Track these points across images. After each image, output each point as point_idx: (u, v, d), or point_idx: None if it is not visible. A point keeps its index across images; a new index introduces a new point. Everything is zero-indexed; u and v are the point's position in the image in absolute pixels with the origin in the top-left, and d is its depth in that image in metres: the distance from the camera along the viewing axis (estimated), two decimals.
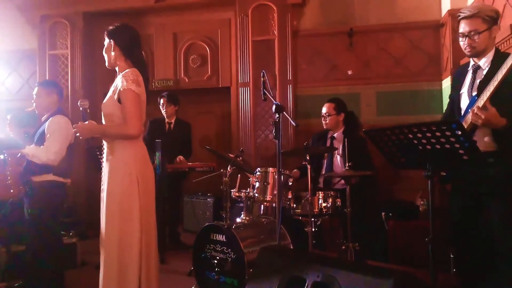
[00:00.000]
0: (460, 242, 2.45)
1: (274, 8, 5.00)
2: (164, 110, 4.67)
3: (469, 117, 2.19)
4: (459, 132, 1.88)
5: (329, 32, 5.06)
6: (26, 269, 3.23)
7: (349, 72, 4.99)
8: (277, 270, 1.85)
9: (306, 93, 5.09)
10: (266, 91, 2.86)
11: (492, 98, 2.10)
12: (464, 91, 2.38)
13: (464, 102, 2.36)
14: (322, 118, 3.89)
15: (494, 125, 2.12)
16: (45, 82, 3.52)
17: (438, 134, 1.93)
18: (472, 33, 2.26)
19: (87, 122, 2.38)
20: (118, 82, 2.31)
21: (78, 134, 2.38)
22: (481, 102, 2.12)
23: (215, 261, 2.96)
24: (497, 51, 2.34)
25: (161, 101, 4.67)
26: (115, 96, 2.30)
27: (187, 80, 5.52)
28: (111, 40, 2.39)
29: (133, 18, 5.47)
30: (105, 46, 2.44)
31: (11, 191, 3.53)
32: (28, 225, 3.12)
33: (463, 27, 2.31)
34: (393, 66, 4.92)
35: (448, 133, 1.90)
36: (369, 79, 4.96)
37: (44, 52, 5.61)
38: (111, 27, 2.43)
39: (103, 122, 2.42)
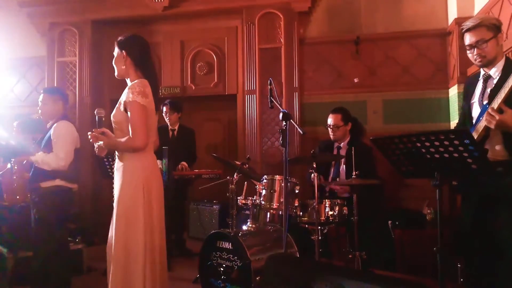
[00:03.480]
0: (470, 251, 2.42)
1: (281, 16, 5.03)
2: (168, 117, 4.70)
3: (481, 124, 2.18)
4: (467, 141, 1.87)
5: (336, 40, 5.08)
6: (33, 275, 3.24)
7: (356, 80, 5.00)
8: (284, 279, 1.84)
9: (312, 100, 5.10)
10: (273, 99, 2.87)
11: (506, 102, 2.09)
12: (475, 100, 2.37)
13: (476, 111, 2.35)
14: (330, 130, 3.81)
15: (509, 128, 2.09)
16: (51, 89, 3.52)
17: (446, 143, 1.93)
18: (479, 43, 2.27)
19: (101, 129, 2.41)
20: (125, 93, 2.31)
21: (91, 140, 2.39)
22: (495, 104, 2.11)
23: (221, 269, 2.95)
24: (508, 59, 2.34)
25: (164, 108, 4.69)
26: (121, 107, 2.32)
27: (193, 88, 5.54)
28: (123, 51, 2.38)
29: (141, 26, 5.52)
30: (115, 57, 2.42)
31: (17, 197, 3.57)
32: (35, 231, 3.14)
33: (469, 39, 2.32)
34: (400, 74, 4.92)
35: (456, 142, 1.90)
36: (375, 87, 4.96)
37: (53, 59, 5.66)
38: (122, 38, 2.42)
39: (113, 129, 2.44)
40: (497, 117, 2.06)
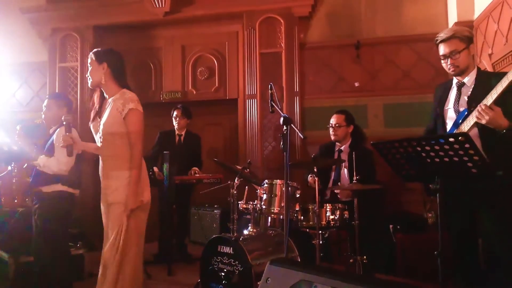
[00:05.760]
0: (462, 255, 2.48)
1: (281, 21, 5.05)
2: (177, 122, 4.66)
3: (463, 128, 2.29)
4: (468, 145, 1.89)
5: (336, 45, 5.10)
6: (35, 280, 3.24)
7: (356, 84, 5.01)
8: (285, 283, 1.84)
9: (313, 105, 5.11)
10: (273, 103, 2.88)
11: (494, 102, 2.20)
12: (450, 106, 2.49)
13: (450, 117, 2.47)
14: (331, 130, 3.84)
15: (498, 125, 2.19)
16: (56, 95, 3.55)
17: (446, 147, 1.94)
18: (453, 53, 2.41)
19: (69, 134, 2.62)
20: (119, 104, 2.44)
21: (63, 144, 2.58)
22: (487, 102, 2.21)
23: (222, 274, 2.95)
24: (479, 69, 2.50)
25: (175, 112, 4.66)
26: (122, 115, 2.44)
27: (194, 92, 5.56)
28: (104, 63, 2.52)
29: (142, 31, 5.55)
30: (92, 68, 2.55)
31: (15, 200, 3.56)
32: (37, 236, 3.14)
33: (443, 49, 2.46)
34: (400, 78, 4.93)
35: (456, 146, 1.91)
36: (376, 91, 4.97)
37: (54, 65, 5.68)
38: (100, 50, 2.58)
39: (97, 139, 2.57)
40: (490, 113, 2.16)
